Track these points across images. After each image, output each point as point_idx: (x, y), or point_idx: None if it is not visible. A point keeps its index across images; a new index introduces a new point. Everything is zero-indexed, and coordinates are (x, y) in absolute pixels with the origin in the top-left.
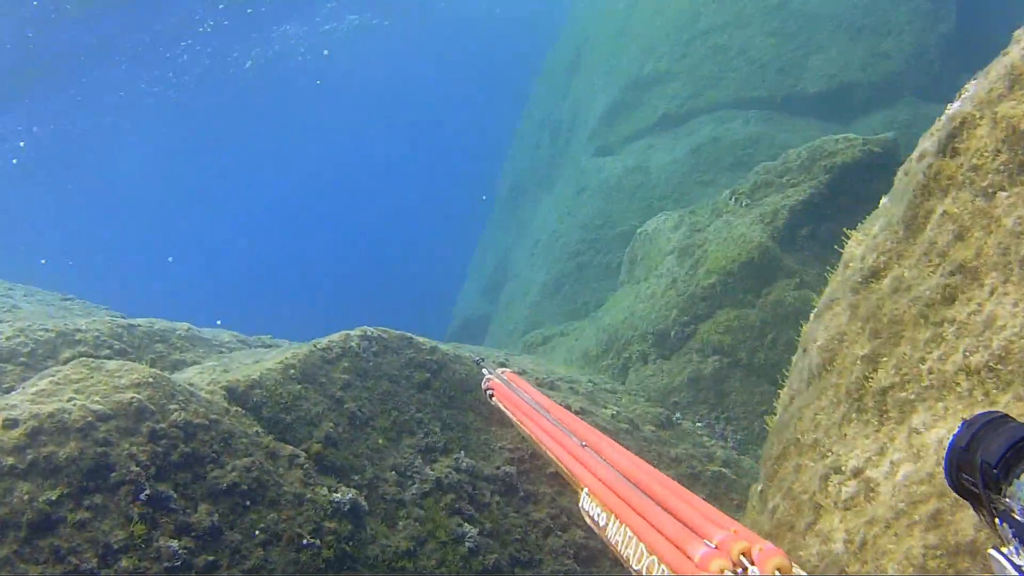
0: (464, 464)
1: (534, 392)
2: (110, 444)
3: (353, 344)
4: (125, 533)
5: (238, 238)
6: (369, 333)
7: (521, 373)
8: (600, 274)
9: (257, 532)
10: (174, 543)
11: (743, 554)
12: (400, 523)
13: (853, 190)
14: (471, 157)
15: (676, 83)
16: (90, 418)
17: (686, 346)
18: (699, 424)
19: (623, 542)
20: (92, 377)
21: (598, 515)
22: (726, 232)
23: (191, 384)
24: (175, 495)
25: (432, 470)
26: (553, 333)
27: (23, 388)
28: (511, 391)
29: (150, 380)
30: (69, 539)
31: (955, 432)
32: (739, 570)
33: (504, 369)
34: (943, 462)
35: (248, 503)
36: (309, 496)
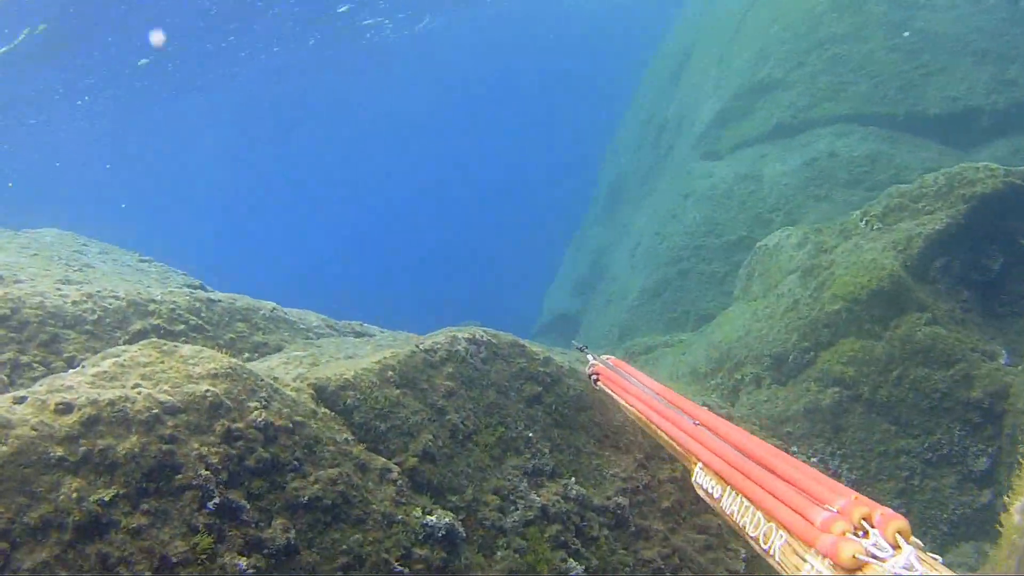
0: (573, 492)
1: (641, 375)
2: (177, 441)
3: (460, 348)
4: (187, 545)
5: (330, 222)
6: (478, 336)
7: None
8: (703, 283)
9: (339, 554)
10: (242, 561)
11: (864, 519)
12: (498, 553)
13: (990, 223)
14: (567, 156)
15: (791, 92)
16: (156, 410)
17: (804, 373)
18: (813, 459)
19: (739, 511)
20: (163, 362)
21: (712, 488)
22: (855, 256)
23: (275, 378)
24: (248, 506)
25: (538, 496)
26: (657, 343)
27: (82, 368)
28: (617, 375)
29: (229, 371)
30: (121, 547)
31: None
32: (860, 533)
33: (609, 356)
34: None
35: (330, 520)
36: (400, 517)
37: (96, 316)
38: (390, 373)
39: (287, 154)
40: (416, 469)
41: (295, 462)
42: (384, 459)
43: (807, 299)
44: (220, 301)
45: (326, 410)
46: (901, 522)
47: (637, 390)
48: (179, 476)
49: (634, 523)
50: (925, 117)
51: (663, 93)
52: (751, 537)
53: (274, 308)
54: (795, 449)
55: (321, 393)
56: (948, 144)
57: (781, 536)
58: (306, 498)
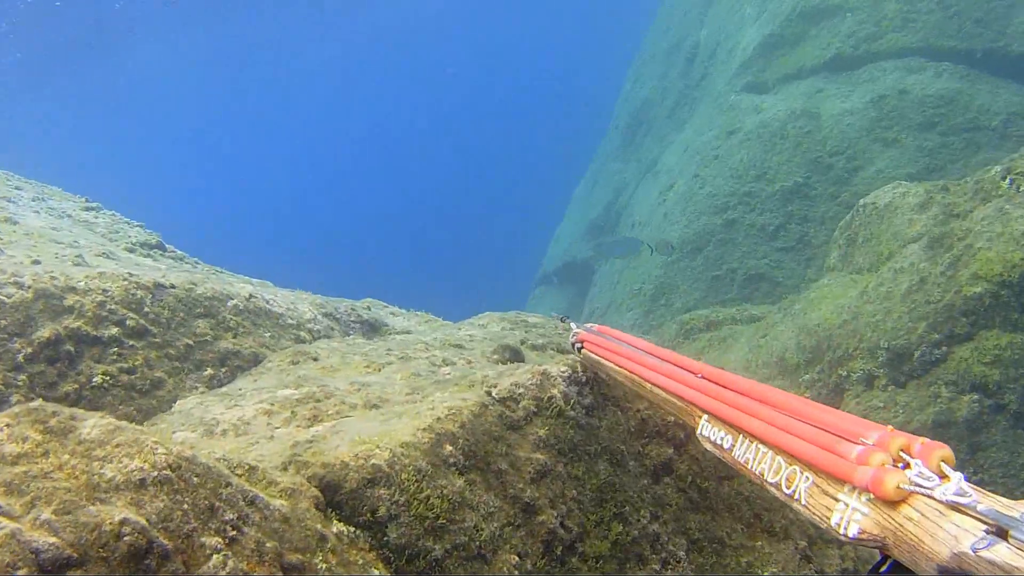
0: None
1: (632, 338)
2: None
3: (555, 393)
4: None
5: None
6: (578, 372)
7: None
8: (752, 237)
9: None
10: None
11: (902, 450)
12: None
13: None
14: (574, 83)
15: (853, 19)
16: (25, 571)
17: (932, 374)
18: None
19: (755, 458)
20: (48, 456)
21: (721, 438)
22: (1002, 225)
23: (250, 468)
24: None
25: None
26: (722, 317)
27: None
28: (604, 340)
29: (169, 473)
30: None
31: None
32: (901, 464)
33: (592, 324)
34: None
35: None
36: None
37: None
38: (448, 449)
39: (275, 96)
40: None
41: None
42: None
43: (938, 278)
44: (172, 288)
45: (342, 526)
46: (945, 450)
47: (627, 351)
48: None
49: None
50: (1008, 55)
51: (692, 15)
52: (771, 484)
53: (251, 296)
54: None
55: (333, 494)
56: None
57: (807, 478)
58: None
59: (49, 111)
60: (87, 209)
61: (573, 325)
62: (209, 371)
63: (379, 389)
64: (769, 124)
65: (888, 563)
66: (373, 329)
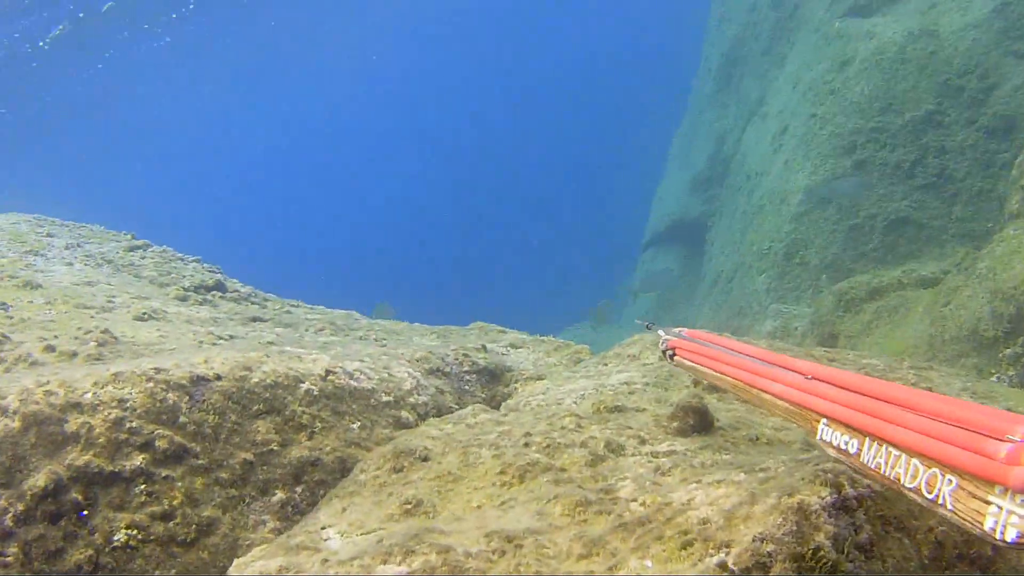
0: None
1: (728, 341)
2: None
3: (822, 540)
4: None
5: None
6: (845, 490)
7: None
8: (888, 177)
9: None
10: None
11: None
12: None
13: None
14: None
15: None
16: None
17: None
18: None
19: (887, 463)
20: None
21: (846, 443)
22: None
23: None
24: None
25: None
26: (887, 282)
27: None
28: (699, 346)
29: None
30: None
31: None
32: None
33: (682, 328)
34: None
35: None
36: None
37: None
38: None
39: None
40: None
41: None
42: None
43: None
44: (218, 380)
45: None
46: None
47: (725, 355)
48: None
49: None
50: None
51: None
52: (910, 489)
53: (328, 372)
54: None
55: None
56: None
57: (950, 480)
58: None
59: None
60: (132, 249)
61: (661, 332)
62: (280, 494)
63: (533, 547)
64: (886, 49)
65: None
66: (493, 378)
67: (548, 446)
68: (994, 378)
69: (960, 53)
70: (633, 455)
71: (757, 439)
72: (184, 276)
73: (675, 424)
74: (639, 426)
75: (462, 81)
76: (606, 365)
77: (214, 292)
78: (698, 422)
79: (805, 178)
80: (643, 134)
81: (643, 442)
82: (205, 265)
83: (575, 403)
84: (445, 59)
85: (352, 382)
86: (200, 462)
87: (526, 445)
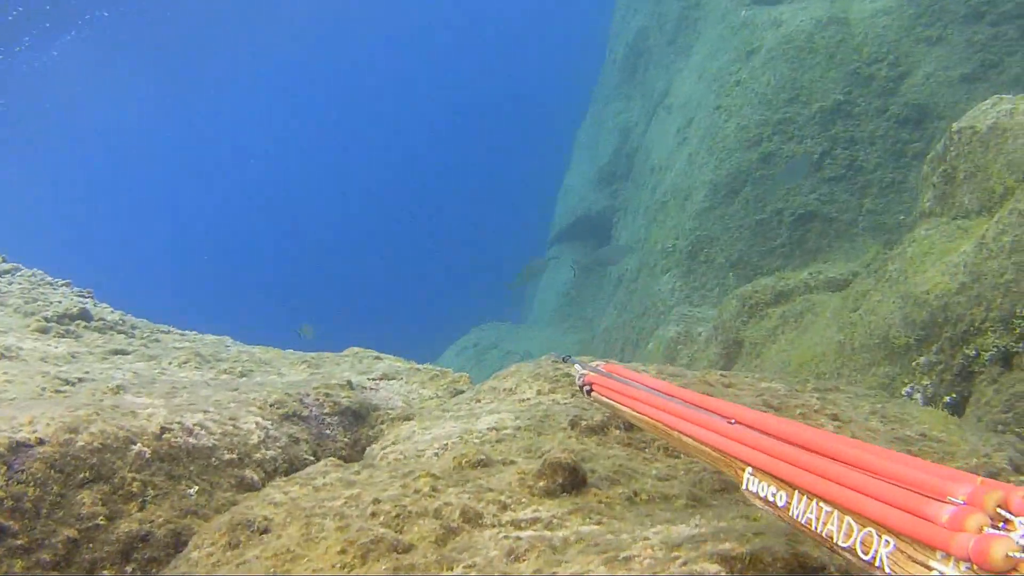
0: None
1: (646, 378)
2: None
3: None
4: None
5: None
6: None
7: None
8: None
9: None
10: None
11: (999, 506)
12: None
13: None
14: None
15: None
16: None
17: None
18: None
19: (818, 519)
20: None
21: (774, 495)
22: None
23: None
24: None
25: None
26: (793, 285)
27: None
28: (615, 382)
29: None
30: None
31: None
32: (1001, 524)
33: (599, 362)
34: None
35: None
36: None
37: None
38: None
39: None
40: None
41: None
42: None
43: None
44: (41, 445)
45: None
46: None
47: (645, 395)
48: None
49: None
50: None
51: None
52: (843, 548)
53: (163, 429)
54: None
55: None
56: None
57: (887, 542)
58: None
59: None
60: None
61: (577, 366)
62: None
63: None
64: (794, 37)
65: None
66: (358, 419)
67: (398, 516)
68: (907, 388)
69: (870, 40)
70: (492, 526)
71: (636, 495)
72: (51, 303)
73: (542, 484)
74: (502, 487)
75: (347, 89)
76: (479, 402)
77: (78, 321)
78: (568, 480)
79: (708, 173)
80: (556, 130)
81: (504, 508)
82: (75, 290)
83: (436, 455)
84: (328, 66)
85: (191, 439)
86: (19, 542)
87: (373, 515)
